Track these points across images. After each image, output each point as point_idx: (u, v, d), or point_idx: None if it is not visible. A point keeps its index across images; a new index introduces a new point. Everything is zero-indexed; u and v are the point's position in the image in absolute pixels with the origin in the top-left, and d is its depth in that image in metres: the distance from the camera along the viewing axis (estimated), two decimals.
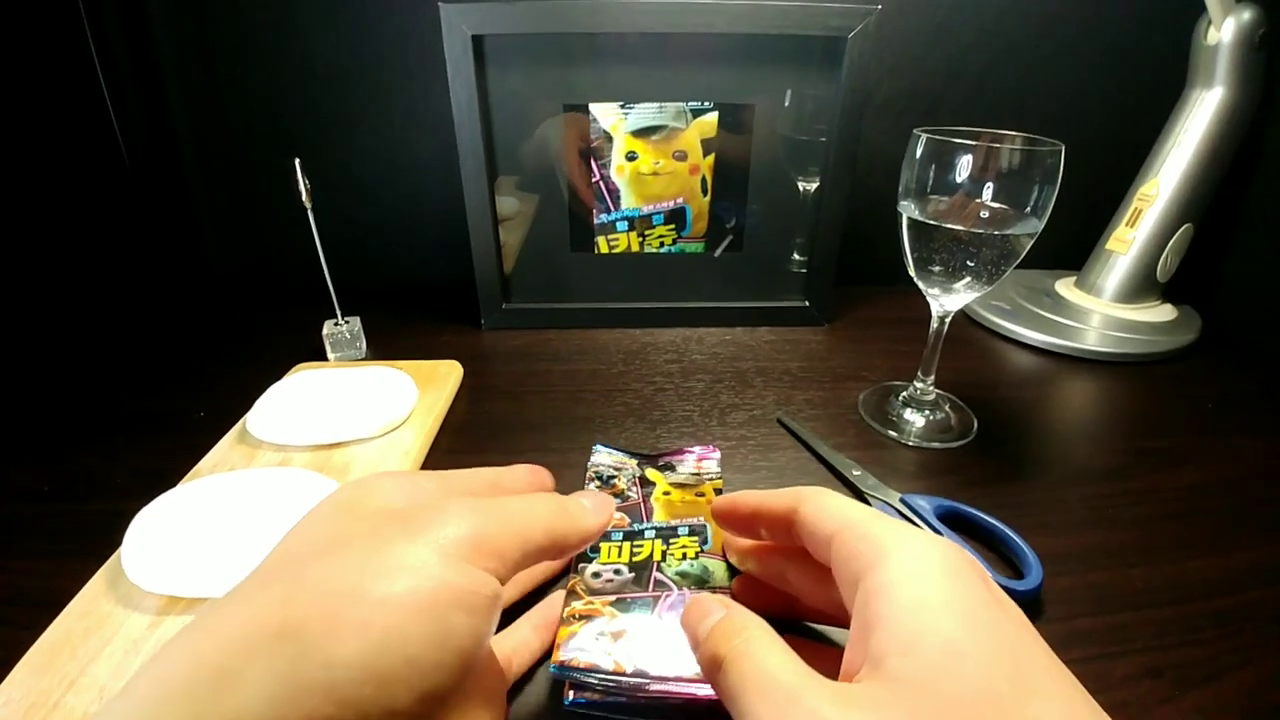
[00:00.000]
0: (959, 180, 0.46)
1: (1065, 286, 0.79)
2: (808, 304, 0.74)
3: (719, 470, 0.47)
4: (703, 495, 0.44)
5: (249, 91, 0.78)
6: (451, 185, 0.67)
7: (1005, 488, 0.49)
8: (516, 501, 0.26)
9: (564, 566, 0.40)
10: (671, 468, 0.47)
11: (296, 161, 0.58)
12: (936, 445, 0.54)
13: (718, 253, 0.72)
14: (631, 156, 0.67)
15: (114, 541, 0.40)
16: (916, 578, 0.22)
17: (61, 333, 0.72)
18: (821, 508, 0.27)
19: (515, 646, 0.33)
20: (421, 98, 0.77)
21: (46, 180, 0.70)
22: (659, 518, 0.42)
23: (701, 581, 0.36)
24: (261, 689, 0.18)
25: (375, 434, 0.52)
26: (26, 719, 0.31)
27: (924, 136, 0.47)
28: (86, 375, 0.65)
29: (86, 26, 0.72)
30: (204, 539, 0.39)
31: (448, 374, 0.61)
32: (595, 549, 0.39)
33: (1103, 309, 0.74)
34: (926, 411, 0.57)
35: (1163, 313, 0.75)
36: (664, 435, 0.54)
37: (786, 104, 0.67)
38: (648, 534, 0.40)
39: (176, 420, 0.57)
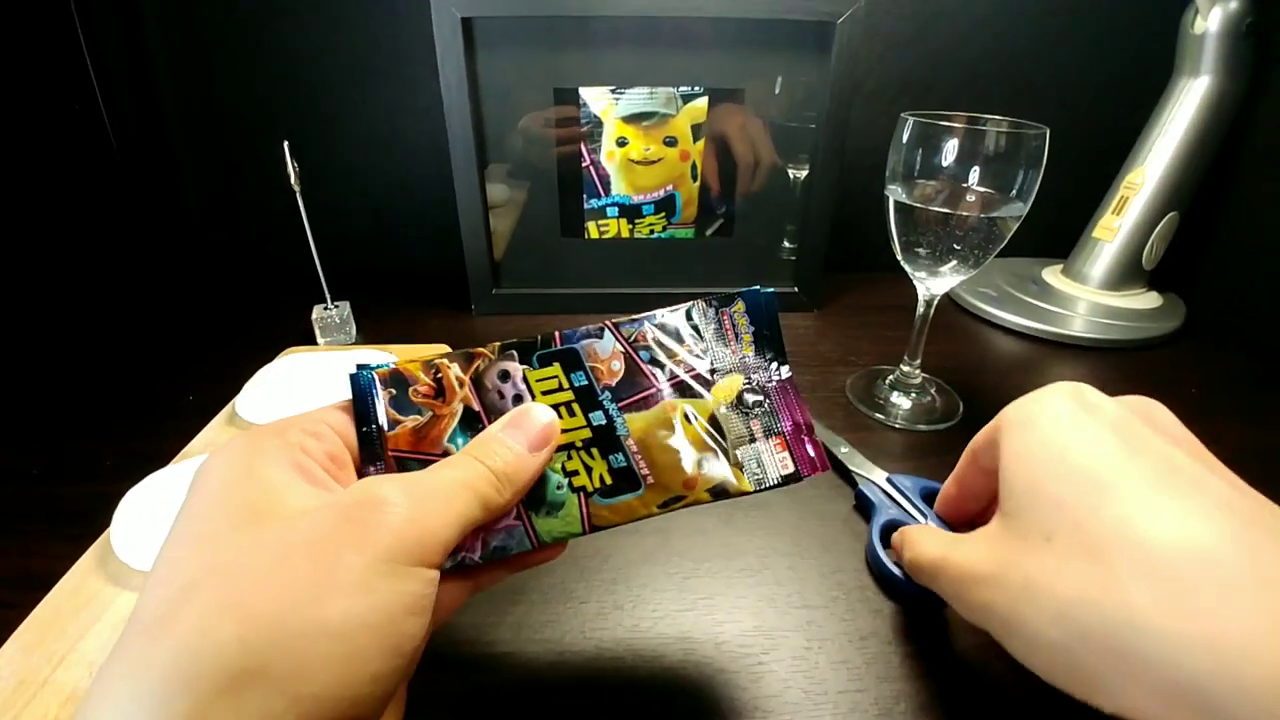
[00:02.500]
0: (945, 164, 0.46)
1: (1052, 274, 0.80)
2: (797, 290, 0.74)
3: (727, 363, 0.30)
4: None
5: (238, 75, 0.78)
6: (441, 169, 0.67)
7: None
8: (449, 476, 0.25)
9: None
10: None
11: (285, 145, 0.58)
12: (922, 428, 0.54)
13: (708, 232, 0.72)
14: (622, 142, 0.67)
15: (103, 522, 0.40)
16: (1017, 444, 0.28)
17: (51, 317, 0.72)
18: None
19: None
20: (411, 81, 0.76)
21: (34, 166, 0.70)
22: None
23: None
24: None
25: None
26: (16, 695, 0.32)
27: (911, 120, 0.47)
28: (76, 360, 0.64)
29: (74, 9, 0.72)
30: None
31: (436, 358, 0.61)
32: None
33: (1089, 296, 0.75)
34: (913, 395, 0.57)
35: (1148, 300, 0.75)
36: None
37: (777, 91, 0.67)
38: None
39: (167, 404, 0.57)
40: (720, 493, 0.28)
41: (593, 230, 0.72)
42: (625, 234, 0.72)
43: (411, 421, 0.27)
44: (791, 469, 0.29)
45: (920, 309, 0.54)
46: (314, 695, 0.19)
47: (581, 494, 0.27)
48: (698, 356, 0.30)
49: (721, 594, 0.39)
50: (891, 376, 0.59)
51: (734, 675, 0.34)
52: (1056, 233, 0.79)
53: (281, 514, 0.22)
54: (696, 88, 0.65)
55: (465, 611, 0.37)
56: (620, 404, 0.29)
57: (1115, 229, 0.74)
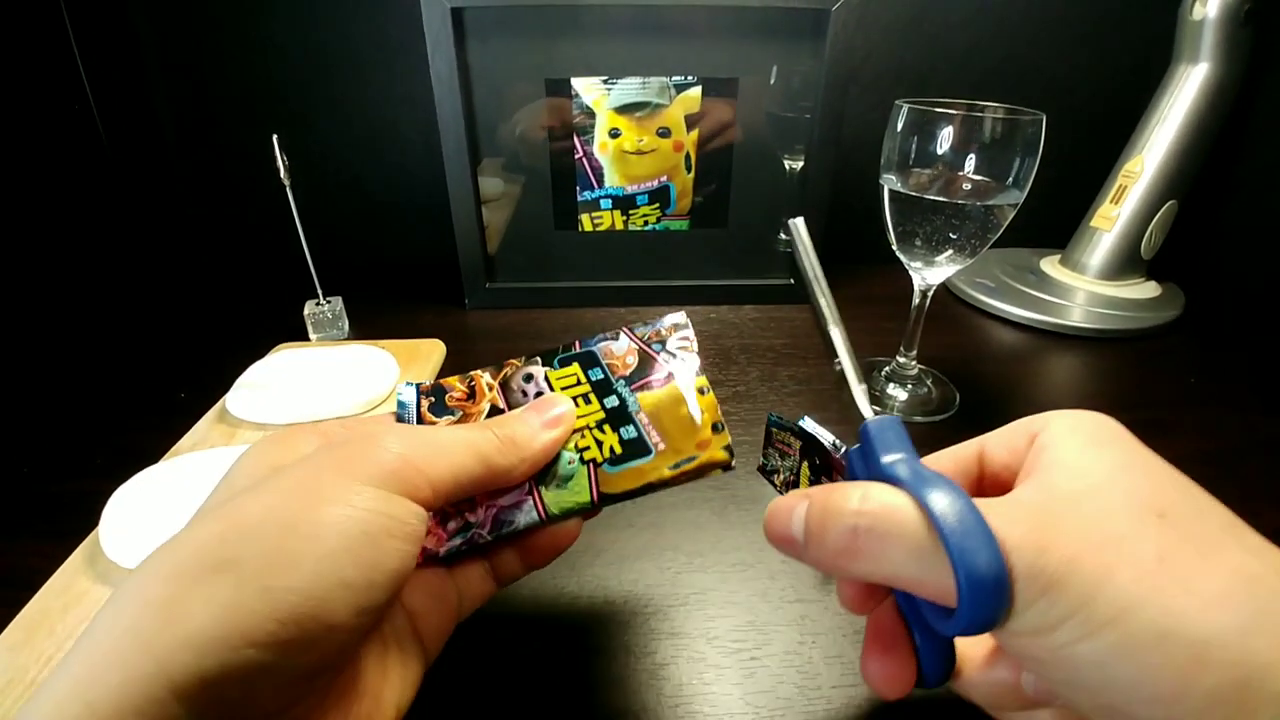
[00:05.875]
0: (940, 152, 0.46)
1: (1050, 264, 0.79)
2: (793, 281, 0.74)
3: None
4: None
5: (229, 70, 0.77)
6: (434, 163, 0.67)
7: None
8: (451, 432, 0.26)
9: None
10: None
11: (275, 138, 0.57)
12: (918, 419, 0.54)
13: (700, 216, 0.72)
14: (615, 133, 0.66)
15: (93, 521, 0.40)
16: (1090, 428, 0.24)
17: (42, 315, 0.71)
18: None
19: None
20: (403, 74, 0.76)
21: (24, 163, 0.69)
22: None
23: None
24: (206, 614, 0.19)
25: (355, 411, 0.51)
26: (3, 695, 0.31)
27: (905, 107, 0.47)
28: (67, 356, 0.64)
29: (63, 5, 0.71)
30: (181, 516, 0.39)
31: (430, 352, 0.61)
32: None
33: (1087, 286, 0.74)
34: (909, 386, 0.57)
35: (1147, 289, 0.75)
36: None
37: (773, 80, 0.66)
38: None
39: (158, 401, 0.57)
40: (732, 455, 0.30)
41: (586, 223, 0.71)
42: (619, 226, 0.71)
43: (445, 422, 0.30)
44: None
45: (916, 300, 0.53)
46: (283, 588, 0.20)
47: (591, 465, 0.29)
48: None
49: (714, 589, 0.38)
50: (888, 368, 0.58)
51: (726, 671, 0.33)
52: (1054, 222, 0.78)
53: (286, 457, 0.25)
54: (690, 77, 0.65)
55: None
56: (633, 386, 0.31)
57: (1114, 218, 0.73)
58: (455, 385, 0.31)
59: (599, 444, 0.29)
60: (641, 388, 0.31)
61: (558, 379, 0.31)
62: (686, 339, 0.32)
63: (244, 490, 0.23)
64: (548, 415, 0.29)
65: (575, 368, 0.32)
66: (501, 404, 0.31)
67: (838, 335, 0.33)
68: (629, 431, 0.30)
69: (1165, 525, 0.20)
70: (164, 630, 0.19)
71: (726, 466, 0.30)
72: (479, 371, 0.32)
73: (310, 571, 0.20)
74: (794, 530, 0.24)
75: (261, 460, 0.25)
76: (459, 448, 0.26)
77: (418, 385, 0.31)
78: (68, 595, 0.36)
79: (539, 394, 0.31)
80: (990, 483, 0.27)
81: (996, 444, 0.27)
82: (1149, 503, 0.21)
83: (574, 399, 0.30)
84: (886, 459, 0.24)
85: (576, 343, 0.32)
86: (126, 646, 0.19)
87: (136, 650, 0.19)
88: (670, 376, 0.31)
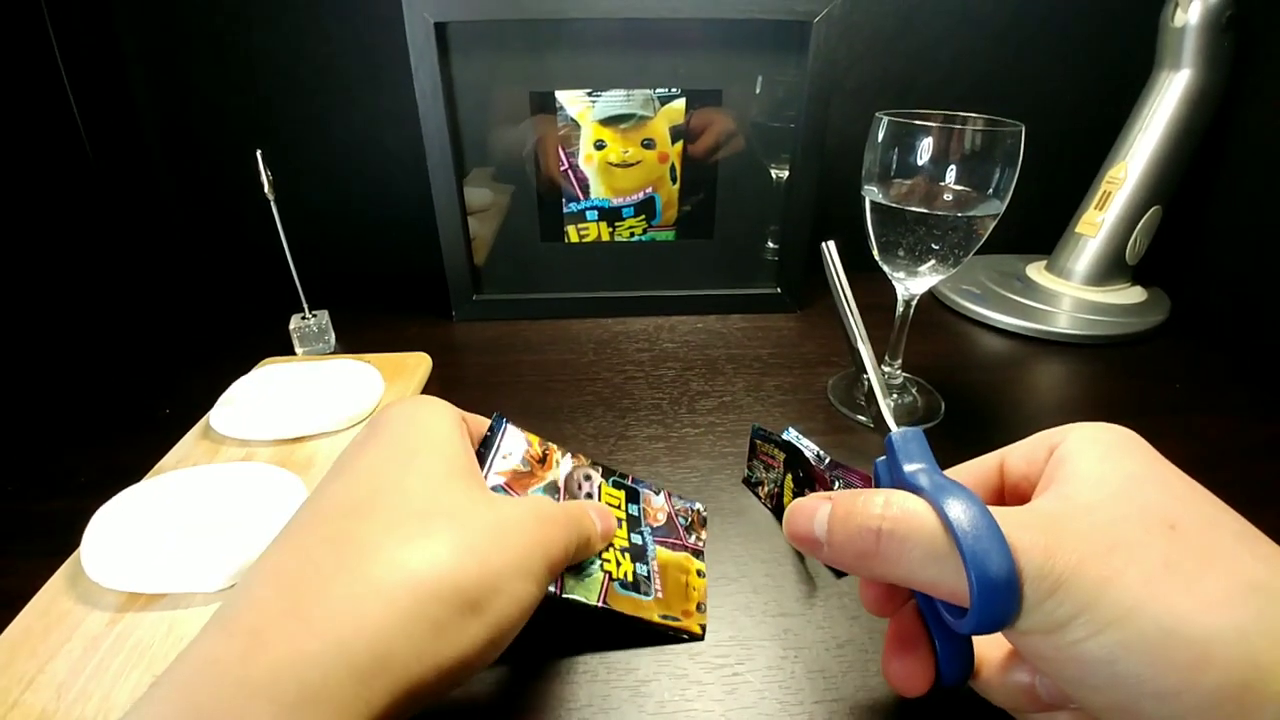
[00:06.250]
0: (921, 163, 0.46)
1: (1036, 270, 0.80)
2: (779, 290, 0.74)
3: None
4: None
5: (213, 83, 0.77)
6: (420, 176, 0.67)
7: None
8: (568, 525, 0.30)
9: None
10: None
11: (258, 154, 0.57)
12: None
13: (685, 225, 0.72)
14: (600, 145, 0.66)
15: (77, 539, 0.40)
16: (1106, 441, 0.25)
17: (25, 330, 0.71)
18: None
19: None
20: (388, 87, 0.76)
21: (8, 177, 0.69)
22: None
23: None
24: (455, 649, 0.23)
25: (339, 427, 0.51)
26: None
27: (885, 119, 0.47)
28: (51, 373, 0.64)
29: (47, 17, 0.71)
30: (164, 535, 0.39)
31: (416, 366, 0.61)
32: None
33: (1073, 292, 0.75)
34: (894, 395, 0.57)
35: (1132, 295, 0.75)
36: (632, 424, 0.54)
37: (757, 91, 0.66)
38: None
39: (143, 417, 0.56)
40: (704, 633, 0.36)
41: (573, 234, 0.71)
42: (605, 238, 0.71)
43: (515, 466, 0.35)
44: None
45: (899, 309, 0.54)
46: (495, 643, 0.25)
47: (608, 576, 0.34)
48: None
49: None
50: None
51: (708, 687, 0.33)
52: (1040, 228, 0.79)
53: (481, 492, 0.28)
54: (674, 89, 0.65)
55: None
56: (655, 537, 0.39)
57: (1098, 224, 0.74)
58: (533, 441, 0.37)
59: (618, 564, 0.35)
60: (660, 542, 0.39)
61: (607, 493, 0.39)
62: (704, 529, 0.42)
63: (462, 508, 0.26)
64: (606, 523, 0.34)
65: (621, 494, 0.39)
66: (560, 483, 0.36)
67: (865, 351, 0.35)
68: (642, 569, 0.36)
69: (1175, 535, 0.21)
70: (429, 653, 0.22)
71: (697, 638, 0.36)
72: (554, 446, 0.38)
73: (506, 634, 0.25)
74: (816, 530, 0.26)
75: (438, 446, 0.28)
76: (571, 543, 0.30)
77: (507, 420, 0.36)
78: (49, 617, 0.36)
79: (589, 495, 0.38)
80: (1011, 493, 0.28)
81: (1017, 456, 0.28)
82: (1161, 514, 0.22)
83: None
84: (909, 468, 0.26)
85: (630, 476, 0.41)
86: (401, 657, 0.22)
87: (409, 660, 0.22)
88: (682, 549, 0.39)
